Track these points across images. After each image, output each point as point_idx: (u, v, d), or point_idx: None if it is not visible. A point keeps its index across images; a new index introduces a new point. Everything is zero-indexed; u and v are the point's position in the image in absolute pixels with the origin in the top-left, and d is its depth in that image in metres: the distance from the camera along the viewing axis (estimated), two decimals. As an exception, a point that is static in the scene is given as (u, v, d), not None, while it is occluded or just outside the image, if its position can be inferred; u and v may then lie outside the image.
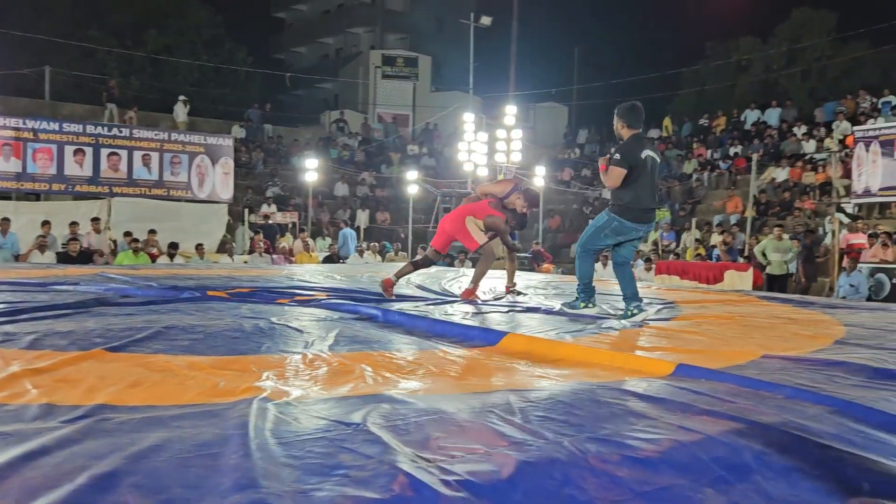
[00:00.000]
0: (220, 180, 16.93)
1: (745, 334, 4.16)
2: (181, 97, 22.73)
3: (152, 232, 14.18)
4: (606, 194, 22.92)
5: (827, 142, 18.96)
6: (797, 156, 19.24)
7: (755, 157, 17.09)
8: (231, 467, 1.63)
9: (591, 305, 5.07)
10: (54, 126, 15.57)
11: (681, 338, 3.99)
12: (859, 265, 11.76)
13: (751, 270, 12.65)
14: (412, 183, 20.45)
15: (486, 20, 24.58)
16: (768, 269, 12.97)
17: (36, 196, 15.54)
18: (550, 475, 1.71)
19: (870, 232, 13.40)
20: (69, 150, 15.40)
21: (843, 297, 11.04)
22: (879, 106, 19.15)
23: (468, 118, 21.28)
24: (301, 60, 39.91)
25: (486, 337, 3.65)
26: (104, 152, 15.72)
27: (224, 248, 15.20)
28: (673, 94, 31.24)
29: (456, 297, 6.13)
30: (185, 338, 3.50)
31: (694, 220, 17.22)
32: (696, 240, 16.00)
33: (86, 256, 12.38)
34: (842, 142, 17.99)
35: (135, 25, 29.97)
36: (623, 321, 4.66)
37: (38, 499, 1.43)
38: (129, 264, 11.49)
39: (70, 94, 24.54)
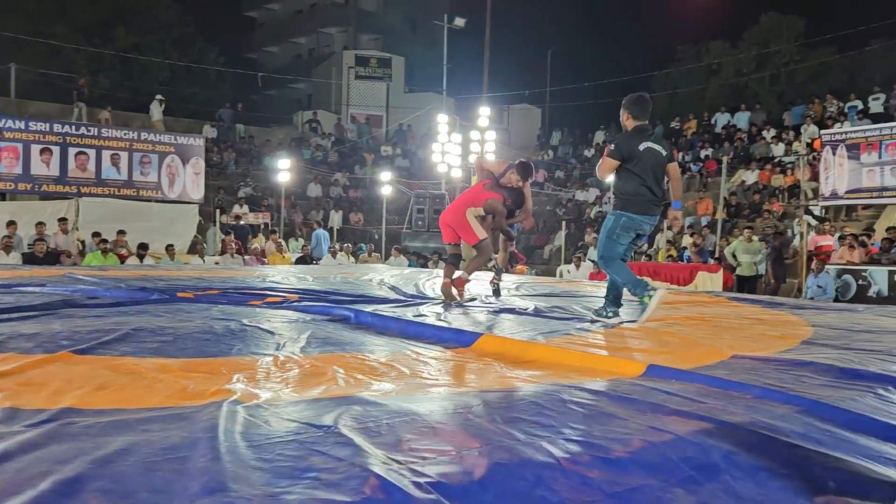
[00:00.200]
0: (190, 180, 16.75)
1: (715, 335, 4.20)
2: (157, 97, 22.50)
3: (121, 232, 13.99)
4: (580, 196, 23.13)
5: (795, 145, 19.27)
6: (766, 159, 19.53)
7: (725, 159, 17.31)
8: (199, 471, 1.60)
9: (652, 291, 4.72)
10: (20, 124, 15.28)
11: (652, 338, 4.02)
12: (826, 267, 11.96)
13: (721, 272, 12.80)
14: (386, 184, 20.41)
15: (459, 21, 24.60)
16: (738, 271, 13.13)
17: (1, 196, 15.24)
18: (522, 476, 1.71)
19: (839, 234, 13.65)
20: (35, 149, 15.14)
21: (811, 298, 11.22)
22: (846, 110, 19.52)
23: (442, 119, 21.29)
24: (273, 60, 39.64)
25: (460, 338, 3.65)
26: (72, 151, 15.48)
27: (195, 248, 15.03)
28: (645, 96, 31.49)
29: (429, 298, 6.11)
30: (153, 340, 3.45)
31: (665, 222, 17.37)
32: (668, 241, 16.16)
33: (53, 257, 12.17)
34: (810, 145, 18.30)
35: (102, 23, 29.53)
36: (593, 322, 4.69)
37: (-1, 505, 1.40)
38: (98, 265, 11.31)
39: (37, 92, 24.14)
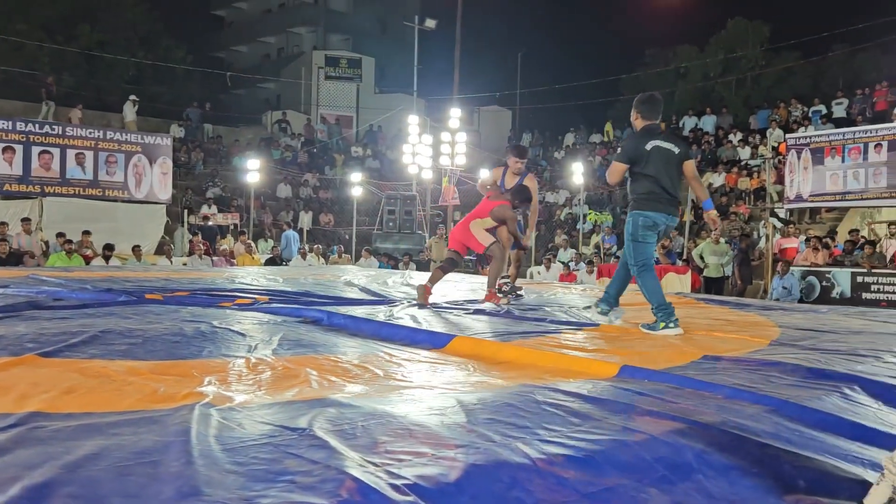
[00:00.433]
0: (158, 180, 16.50)
1: (686, 335, 4.25)
2: (131, 97, 22.22)
3: (86, 233, 13.75)
4: (550, 198, 23.25)
5: (761, 149, 19.59)
6: (733, 162, 19.83)
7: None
8: (172, 475, 1.58)
9: (672, 325, 4.39)
10: (-20, 123, 14.95)
11: (624, 340, 4.05)
12: (791, 268, 12.17)
13: (689, 273, 12.97)
14: (356, 185, 20.33)
15: (430, 23, 24.59)
16: (706, 272, 13.31)
17: (-38, 195, 14.91)
18: (498, 478, 1.71)
19: (804, 237, 13.90)
20: (-3, 147, 14.82)
21: (777, 299, 11.41)
22: (810, 115, 19.89)
23: (413, 120, 21.28)
24: (241, 59, 39.26)
25: (433, 340, 3.64)
26: (35, 150, 15.15)
27: (162, 249, 14.84)
28: (614, 99, 31.79)
29: (401, 299, 6.09)
30: (122, 342, 3.39)
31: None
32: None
33: (16, 258, 11.92)
34: (775, 149, 18.62)
35: (66, 20, 28.98)
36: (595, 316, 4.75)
37: (-34, 512, 1.37)
38: (62, 266, 11.11)
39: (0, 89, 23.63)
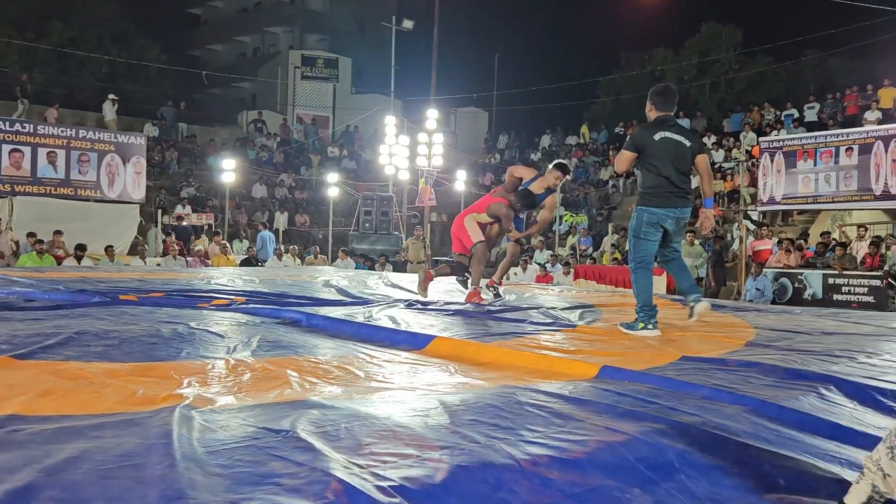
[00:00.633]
0: (131, 180, 16.31)
1: (664, 336, 4.29)
2: (110, 96, 21.98)
3: (58, 233, 13.55)
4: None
5: (734, 152, 19.82)
6: (706, 164, 20.02)
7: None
8: (156, 478, 1.56)
9: (650, 327, 4.41)
10: (-51, 120, 14.68)
11: (603, 341, 4.08)
12: (764, 270, 12.33)
13: (665, 275, 13.06)
14: (332, 185, 20.25)
15: (408, 24, 24.59)
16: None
17: (-71, 194, 14.62)
18: (484, 479, 1.71)
19: (776, 239, 14.10)
20: (-34, 145, 14.56)
21: (750, 301, 11.55)
22: (782, 118, 20.18)
23: (390, 121, 21.26)
24: (217, 58, 38.93)
25: (412, 341, 3.64)
26: (5, 149, 14.89)
27: (135, 250, 14.67)
28: (590, 101, 32.02)
29: (377, 300, 6.08)
30: (98, 344, 3.35)
31: (611, 226, 17.67)
32: (612, 245, 16.43)
33: (-15, 258, 11.72)
34: (748, 152, 18.86)
35: (38, 16, 28.50)
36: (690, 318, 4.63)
37: (-56, 518, 1.34)
38: (34, 266, 10.94)
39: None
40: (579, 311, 5.64)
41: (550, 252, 17.06)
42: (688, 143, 4.51)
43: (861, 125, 16.32)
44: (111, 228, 15.15)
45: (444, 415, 2.21)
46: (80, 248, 12.81)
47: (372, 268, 15.45)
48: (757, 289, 11.98)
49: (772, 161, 13.80)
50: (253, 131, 27.69)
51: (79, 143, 15.79)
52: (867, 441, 2.22)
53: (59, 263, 12.39)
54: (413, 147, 20.65)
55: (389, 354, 3.38)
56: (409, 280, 8.29)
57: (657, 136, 4.46)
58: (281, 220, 20.71)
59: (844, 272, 11.69)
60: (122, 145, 16.30)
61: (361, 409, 2.25)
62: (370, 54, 33.01)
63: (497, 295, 6.60)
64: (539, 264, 15.16)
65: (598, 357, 3.35)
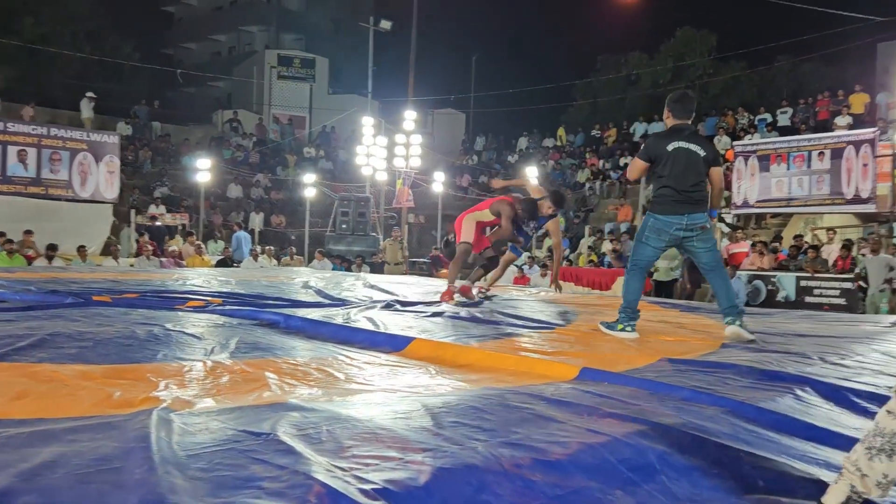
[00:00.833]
0: (104, 179, 16.11)
1: (642, 338, 4.32)
2: (88, 94, 21.69)
3: (28, 232, 13.33)
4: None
5: (709, 155, 20.00)
6: (681, 168, 20.22)
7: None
8: (136, 482, 1.53)
9: (628, 329, 4.43)
10: (-83, 117, 14.38)
11: (582, 342, 4.09)
12: (738, 272, 12.47)
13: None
14: (309, 186, 20.15)
15: (385, 24, 24.55)
16: (655, 276, 13.52)
17: None
18: (467, 481, 1.71)
19: (750, 241, 14.27)
20: (-67, 143, 14.28)
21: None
22: (756, 123, 20.43)
23: (367, 122, 21.20)
24: (191, 57, 38.56)
25: (392, 342, 3.63)
26: (-26, 147, 14.67)
27: (108, 250, 14.47)
28: (567, 104, 32.20)
29: (355, 302, 6.05)
30: (72, 346, 3.29)
31: (587, 228, 17.78)
32: (589, 247, 16.52)
33: (-47, 258, 11.49)
34: (723, 156, 19.06)
35: (7, 12, 28.01)
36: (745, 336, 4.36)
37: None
38: (3, 267, 10.75)
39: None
40: (557, 312, 5.66)
41: (527, 254, 17.12)
42: (702, 153, 4.49)
43: (832, 130, 16.59)
44: (83, 228, 14.93)
45: (426, 417, 2.20)
46: (52, 248, 12.61)
47: (349, 269, 15.39)
48: (729, 291, 12.09)
49: (746, 165, 13.98)
50: (228, 131, 27.46)
51: (50, 142, 15.56)
52: (843, 442, 2.26)
53: (30, 263, 12.19)
54: (390, 148, 20.62)
55: (369, 356, 3.36)
56: (387, 281, 8.28)
57: (670, 147, 4.47)
58: (257, 220, 20.57)
59: (817, 275, 11.86)
60: (94, 144, 16.09)
61: (342, 412, 2.23)
62: (347, 55, 32.91)
63: (487, 299, 6.64)
64: (517, 266, 15.20)
65: (578, 359, 3.37)
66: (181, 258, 15.15)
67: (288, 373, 2.87)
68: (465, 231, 6.09)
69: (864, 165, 12.60)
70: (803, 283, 11.89)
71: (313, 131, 30.49)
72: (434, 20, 29.56)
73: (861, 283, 11.37)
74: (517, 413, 2.31)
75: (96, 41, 30.30)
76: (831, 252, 12.74)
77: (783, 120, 19.90)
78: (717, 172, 4.61)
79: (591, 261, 15.80)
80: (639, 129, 24.04)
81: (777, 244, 14.22)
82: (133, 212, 16.78)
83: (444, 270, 16.74)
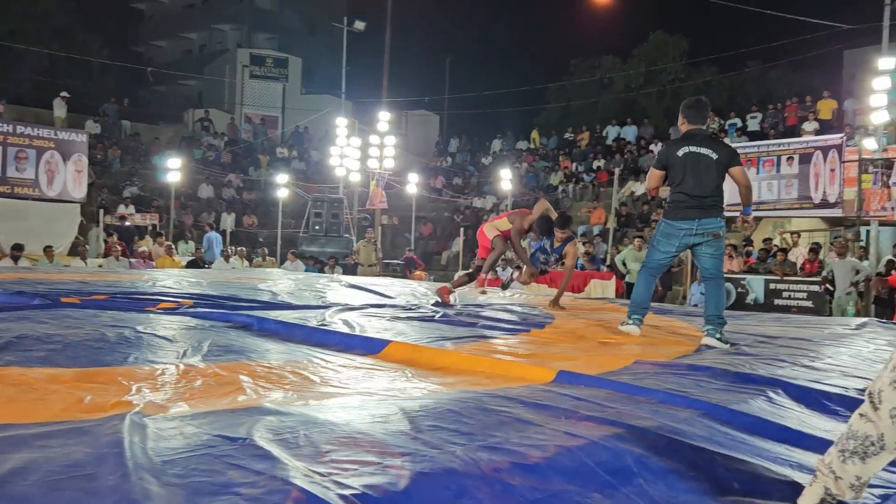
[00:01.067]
0: (72, 178, 15.85)
1: (617, 341, 4.34)
2: (62, 94, 21.35)
3: (-7, 232, 13.08)
4: (477, 203, 23.46)
5: (680, 159, 20.23)
6: (653, 171, 20.42)
7: (617, 171, 17.97)
8: (109, 489, 1.50)
9: (630, 323, 4.63)
10: None
11: (558, 345, 4.11)
12: (708, 275, 12.61)
13: (613, 279, 13.26)
14: (282, 186, 20.00)
15: (359, 25, 24.47)
16: (628, 278, 13.63)
17: None
18: (446, 486, 1.70)
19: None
20: None
21: (695, 305, 11.79)
22: (726, 127, 20.69)
23: (341, 122, 21.11)
24: (162, 55, 38.09)
25: (368, 345, 3.60)
26: (-62, 144, 14.35)
27: (76, 250, 14.24)
28: (540, 107, 32.33)
29: (330, 304, 6.01)
30: (40, 348, 3.22)
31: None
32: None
33: (-85, 258, 11.23)
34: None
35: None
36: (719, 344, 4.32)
37: None
38: (-33, 267, 10.52)
39: None
40: (533, 315, 5.68)
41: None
42: (715, 156, 4.50)
43: (800, 135, 16.86)
44: (50, 228, 14.69)
45: (403, 420, 2.19)
46: (17, 248, 12.38)
47: (322, 270, 15.30)
48: (702, 293, 12.20)
49: (716, 169, 14.12)
50: (199, 130, 27.17)
51: (16, 140, 15.27)
52: (815, 444, 2.29)
53: (-5, 264, 11.94)
54: (364, 149, 20.55)
55: (344, 359, 3.34)
56: (362, 283, 8.24)
57: (681, 152, 4.52)
58: (228, 221, 20.37)
59: (785, 278, 12.04)
60: (62, 142, 15.83)
61: (319, 416, 2.21)
62: (321, 55, 32.71)
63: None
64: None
65: (554, 361, 3.37)
66: (151, 259, 14.95)
67: (262, 376, 2.84)
68: (488, 235, 6.63)
69: (832, 170, 12.82)
70: (772, 285, 12.06)
71: (286, 131, 30.29)
72: (408, 22, 29.52)
73: (828, 286, 11.57)
74: (495, 416, 2.30)
75: (64, 38, 29.79)
76: (799, 255, 12.94)
77: (753, 125, 20.19)
78: (738, 171, 4.62)
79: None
80: (611, 132, 24.24)
81: (751, 248, 14.39)
82: (101, 212, 16.53)
83: (418, 272, 16.75)
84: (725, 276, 12.69)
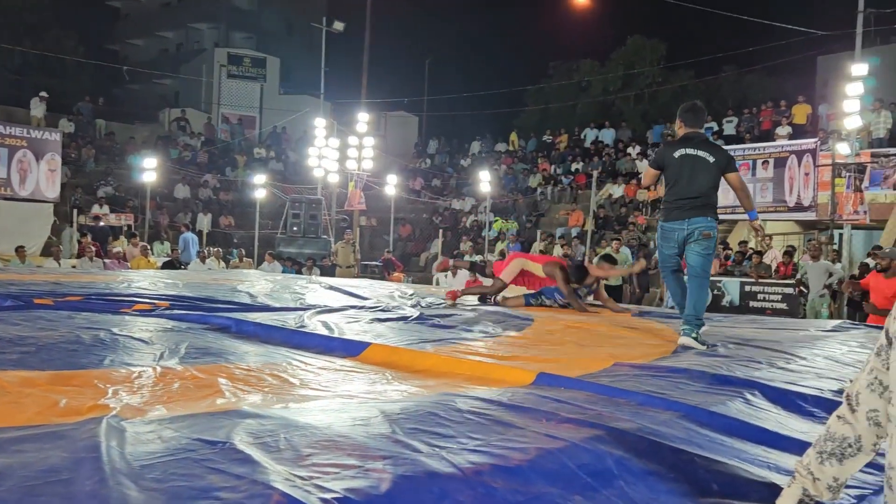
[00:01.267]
0: (45, 177, 15.65)
1: (596, 343, 4.36)
2: (41, 93, 21.08)
3: (-36, 232, 12.86)
4: (456, 205, 23.48)
5: (657, 162, 20.41)
6: (631, 174, 20.59)
7: (595, 173, 18.07)
8: (87, 494, 1.48)
9: (693, 335, 4.38)
10: None
11: (537, 347, 4.11)
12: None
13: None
14: (259, 187, 19.87)
15: (338, 25, 24.37)
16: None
17: None
18: (428, 489, 1.70)
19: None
20: None
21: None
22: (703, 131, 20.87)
23: (319, 123, 21.02)
24: (137, 53, 37.67)
25: (347, 347, 3.59)
26: None
27: (49, 251, 14.03)
28: (519, 109, 32.41)
29: (308, 306, 5.97)
30: (13, 351, 3.16)
31: (539, 232, 17.93)
32: (541, 251, 16.66)
33: None
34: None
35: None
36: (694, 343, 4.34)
37: None
38: (-63, 267, 10.33)
39: None
40: (512, 317, 5.68)
41: (480, 257, 17.19)
42: (711, 159, 4.55)
43: (774, 139, 17.07)
44: (22, 228, 14.47)
45: (384, 423, 2.18)
46: (-11, 248, 12.19)
47: (300, 272, 15.21)
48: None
49: (693, 172, 14.25)
50: (175, 130, 26.90)
51: (-12, 138, 15.04)
52: (792, 445, 2.31)
53: (-34, 264, 11.74)
54: (343, 150, 20.47)
55: (324, 361, 3.32)
56: (341, 284, 8.20)
57: (677, 154, 4.61)
58: (205, 221, 20.19)
59: (760, 280, 12.18)
60: (35, 141, 15.62)
61: (300, 419, 2.19)
62: (299, 55, 32.56)
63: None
64: (469, 270, 15.22)
65: (534, 363, 3.38)
66: (125, 259, 14.76)
67: (241, 378, 2.82)
68: (508, 272, 6.66)
69: (806, 174, 13.00)
70: (747, 288, 12.19)
71: (264, 131, 30.09)
72: (388, 23, 29.45)
73: (802, 288, 11.72)
74: (476, 419, 2.30)
75: (37, 35, 29.36)
76: (774, 258, 13.09)
77: (729, 129, 20.40)
78: (733, 177, 4.69)
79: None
80: (590, 134, 24.37)
81: (729, 250, 14.52)
82: (75, 211, 16.32)
83: (397, 274, 16.71)
84: (701, 278, 12.73)
